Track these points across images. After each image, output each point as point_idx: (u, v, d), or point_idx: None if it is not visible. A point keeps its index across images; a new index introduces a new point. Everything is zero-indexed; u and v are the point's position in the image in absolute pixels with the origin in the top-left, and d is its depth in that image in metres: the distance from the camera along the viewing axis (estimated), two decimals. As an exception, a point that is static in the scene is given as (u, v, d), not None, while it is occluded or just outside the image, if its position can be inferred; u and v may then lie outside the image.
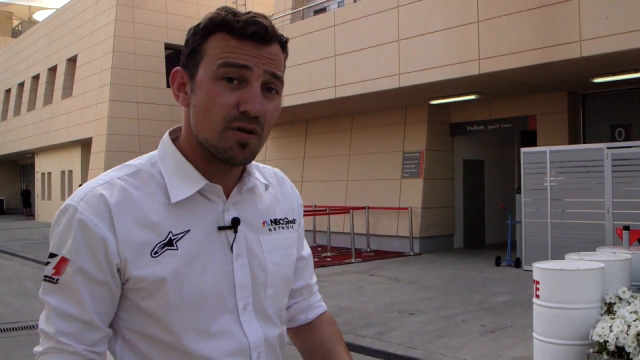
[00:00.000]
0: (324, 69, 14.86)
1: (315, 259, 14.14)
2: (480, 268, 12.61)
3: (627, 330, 5.07)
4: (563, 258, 11.31)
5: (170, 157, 1.37)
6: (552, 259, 11.68)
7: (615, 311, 5.54)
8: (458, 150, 16.34)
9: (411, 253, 14.88)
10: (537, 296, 5.88)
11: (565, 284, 5.70)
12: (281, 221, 1.50)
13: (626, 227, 7.15)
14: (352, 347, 6.43)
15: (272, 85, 1.30)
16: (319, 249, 16.14)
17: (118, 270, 1.26)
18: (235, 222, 1.37)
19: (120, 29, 25.40)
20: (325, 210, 15.40)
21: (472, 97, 13.87)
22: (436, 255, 14.62)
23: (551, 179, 11.83)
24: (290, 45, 1.38)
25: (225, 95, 1.26)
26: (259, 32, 1.26)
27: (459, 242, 16.26)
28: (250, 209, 1.43)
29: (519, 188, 13.03)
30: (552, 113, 14.05)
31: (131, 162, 1.38)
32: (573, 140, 13.70)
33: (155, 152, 1.41)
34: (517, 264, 12.53)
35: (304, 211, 1.91)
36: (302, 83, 15.35)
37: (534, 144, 16.67)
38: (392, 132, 16.03)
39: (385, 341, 7.08)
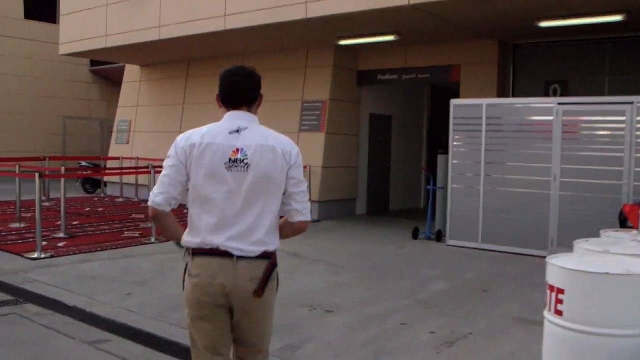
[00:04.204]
0: (212, -8, 12.10)
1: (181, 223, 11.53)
2: (395, 241, 10.52)
3: None
4: (496, 232, 9.42)
5: None
6: (483, 233, 9.77)
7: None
8: (365, 102, 14.12)
9: (308, 220, 12.60)
10: (558, 312, 3.66)
11: (610, 296, 3.52)
12: None
13: (640, 203, 5.11)
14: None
15: None
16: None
17: None
18: None
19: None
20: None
21: (390, 37, 11.59)
22: (337, 223, 12.43)
23: (486, 139, 9.83)
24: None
25: None
26: None
27: (362, 208, 14.15)
28: None
29: (443, 148, 10.99)
30: (480, 63, 12.05)
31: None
32: (501, 96, 11.80)
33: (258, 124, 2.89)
34: (439, 237, 10.53)
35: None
36: (183, 10, 12.54)
37: (446, 100, 14.79)
38: (290, 78, 13.54)
39: (301, 361, 4.74)
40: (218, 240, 2.74)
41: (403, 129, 15.40)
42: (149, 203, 2.84)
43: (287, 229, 2.91)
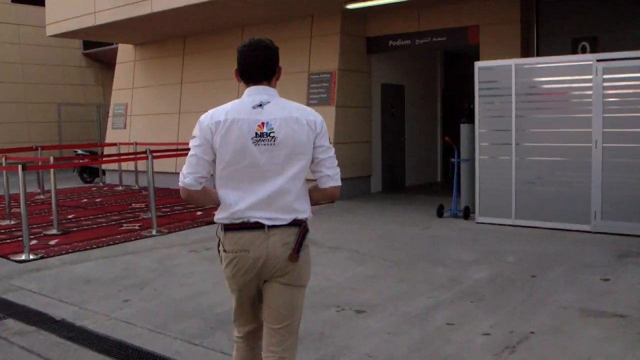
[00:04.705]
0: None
1: (185, 211, 10.67)
2: (419, 221, 9.62)
3: None
4: (531, 207, 8.57)
5: None
6: (517, 208, 8.89)
7: None
8: (375, 71, 13.15)
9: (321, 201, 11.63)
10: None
11: None
12: None
13: None
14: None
15: None
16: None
17: None
18: None
19: None
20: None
21: (403, -2, 10.62)
22: (353, 203, 11.52)
23: (517, 103, 8.88)
24: None
25: None
26: None
27: (377, 186, 13.24)
28: None
29: (468, 115, 10.04)
30: (500, 23, 11.04)
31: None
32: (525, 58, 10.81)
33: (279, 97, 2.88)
34: (466, 214, 9.63)
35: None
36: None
37: (460, 66, 13.86)
38: (295, 48, 12.52)
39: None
40: (248, 212, 2.75)
41: (417, 99, 14.44)
42: (180, 184, 2.83)
43: (318, 194, 2.92)
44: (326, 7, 11.73)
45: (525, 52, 10.95)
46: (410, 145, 14.17)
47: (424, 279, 6.23)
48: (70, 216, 10.69)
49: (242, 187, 2.77)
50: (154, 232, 8.86)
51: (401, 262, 6.99)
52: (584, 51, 10.51)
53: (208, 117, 2.78)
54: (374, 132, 13.10)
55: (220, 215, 2.82)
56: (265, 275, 2.80)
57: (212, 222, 9.77)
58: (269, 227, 2.74)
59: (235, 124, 2.73)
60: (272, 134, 2.74)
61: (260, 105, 2.78)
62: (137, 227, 9.44)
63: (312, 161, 2.85)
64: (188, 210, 11.10)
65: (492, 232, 8.62)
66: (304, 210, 2.83)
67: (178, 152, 12.20)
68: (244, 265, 2.76)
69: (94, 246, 8.13)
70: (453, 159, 10.05)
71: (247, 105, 2.79)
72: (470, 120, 9.91)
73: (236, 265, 2.78)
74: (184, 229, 9.28)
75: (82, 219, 10.45)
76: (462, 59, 14.69)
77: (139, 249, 7.95)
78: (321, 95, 12.23)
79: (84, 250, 7.93)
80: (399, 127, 13.82)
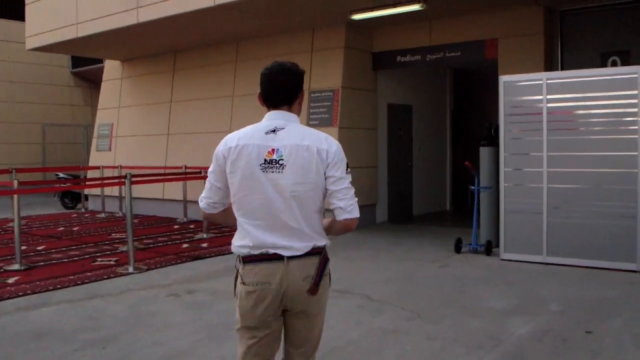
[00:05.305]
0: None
1: (169, 243, 9.41)
2: (436, 257, 8.45)
3: None
4: (566, 242, 7.45)
5: None
6: (549, 243, 7.74)
7: None
8: (382, 90, 12.06)
9: (322, 232, 10.43)
10: None
11: None
12: None
13: None
14: None
15: None
16: (192, 225, 11.51)
17: None
18: None
19: None
20: (201, 172, 10.81)
21: (415, 7, 9.50)
22: (358, 236, 10.33)
23: (549, 124, 7.77)
24: None
25: None
26: None
27: (383, 215, 12.07)
28: None
29: (489, 137, 8.95)
30: (522, 35, 9.98)
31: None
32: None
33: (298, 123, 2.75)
34: (488, 249, 8.48)
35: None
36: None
37: (469, 86, 12.99)
38: (293, 64, 11.43)
39: None
40: (265, 244, 2.64)
41: (425, 120, 13.34)
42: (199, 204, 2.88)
43: (335, 227, 2.77)
44: (329, 18, 10.67)
45: (549, 67, 9.87)
46: (418, 171, 13.05)
47: (456, 336, 5.05)
48: (40, 247, 9.51)
49: (254, 215, 2.65)
50: (130, 270, 7.67)
51: (424, 311, 5.80)
52: (614, 66, 9.46)
53: (222, 143, 2.73)
54: (380, 156, 11.97)
55: (237, 244, 2.71)
56: (287, 306, 2.68)
57: (198, 258, 8.60)
58: (288, 258, 2.63)
59: (246, 149, 2.65)
60: (281, 162, 2.63)
61: (274, 131, 2.68)
62: (112, 262, 8.25)
63: (326, 192, 2.69)
64: (173, 242, 9.92)
65: (522, 271, 7.45)
66: (320, 239, 2.71)
67: (165, 177, 11.08)
68: (266, 297, 2.64)
69: (59, 286, 6.92)
70: (472, 187, 8.91)
71: (261, 131, 2.70)
72: (491, 142, 8.83)
73: (257, 297, 2.65)
74: (165, 265, 8.09)
75: (53, 251, 9.26)
76: (472, 76, 13.68)
77: (111, 291, 6.75)
78: (322, 116, 11.12)
79: (46, 291, 6.73)
80: (406, 151, 12.71)
